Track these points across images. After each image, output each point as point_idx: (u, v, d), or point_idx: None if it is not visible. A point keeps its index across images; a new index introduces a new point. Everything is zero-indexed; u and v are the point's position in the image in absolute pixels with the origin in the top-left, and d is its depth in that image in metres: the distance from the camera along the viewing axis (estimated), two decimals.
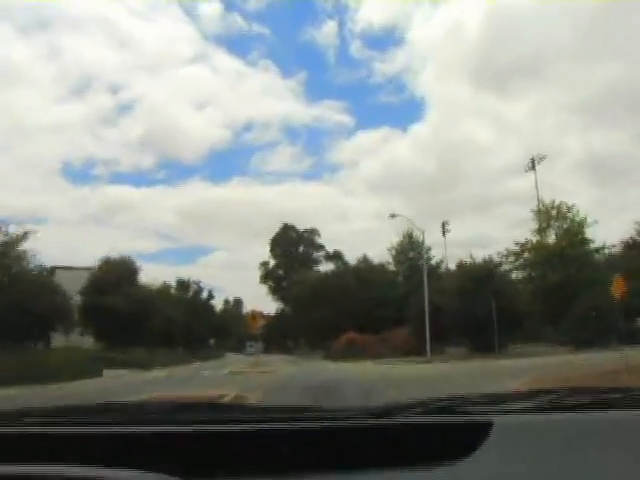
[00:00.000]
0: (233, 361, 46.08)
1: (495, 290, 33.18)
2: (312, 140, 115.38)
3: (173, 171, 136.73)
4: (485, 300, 32.30)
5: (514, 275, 42.39)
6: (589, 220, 40.72)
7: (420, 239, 44.03)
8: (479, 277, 35.26)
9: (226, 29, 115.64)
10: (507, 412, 1.24)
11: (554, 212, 42.16)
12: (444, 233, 53.98)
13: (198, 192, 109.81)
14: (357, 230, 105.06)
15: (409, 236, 53.41)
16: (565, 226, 41.56)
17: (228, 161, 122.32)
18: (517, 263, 42.16)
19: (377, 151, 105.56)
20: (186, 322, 60.09)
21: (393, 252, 56.61)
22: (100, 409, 1.54)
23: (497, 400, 1.36)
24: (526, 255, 41.76)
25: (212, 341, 76.58)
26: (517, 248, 41.79)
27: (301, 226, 79.49)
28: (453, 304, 35.00)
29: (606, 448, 1.06)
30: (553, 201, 42.60)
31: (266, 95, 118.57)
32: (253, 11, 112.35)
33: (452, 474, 1.03)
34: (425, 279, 36.74)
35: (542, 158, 47.05)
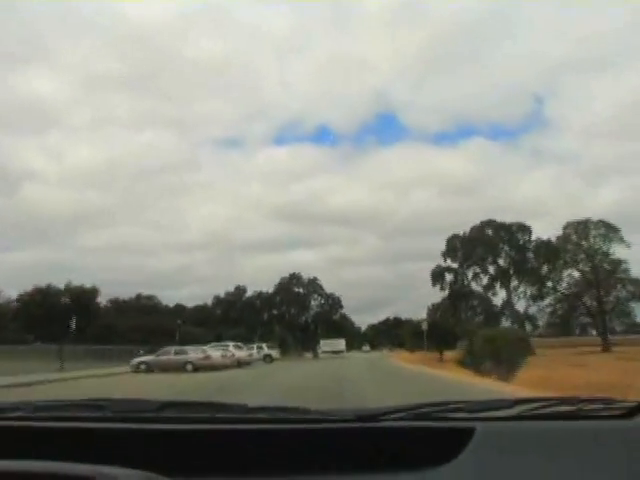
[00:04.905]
0: None
1: None
2: None
3: None
4: None
5: None
6: None
7: None
8: None
9: None
10: (489, 419, 1.25)
11: None
12: None
13: None
14: None
15: None
16: None
17: None
18: None
19: None
20: None
21: None
22: (87, 405, 1.53)
23: (480, 407, 1.37)
24: None
25: None
26: None
27: None
28: None
29: (583, 457, 1.08)
30: None
31: None
32: None
33: (433, 479, 1.04)
34: None
35: None
